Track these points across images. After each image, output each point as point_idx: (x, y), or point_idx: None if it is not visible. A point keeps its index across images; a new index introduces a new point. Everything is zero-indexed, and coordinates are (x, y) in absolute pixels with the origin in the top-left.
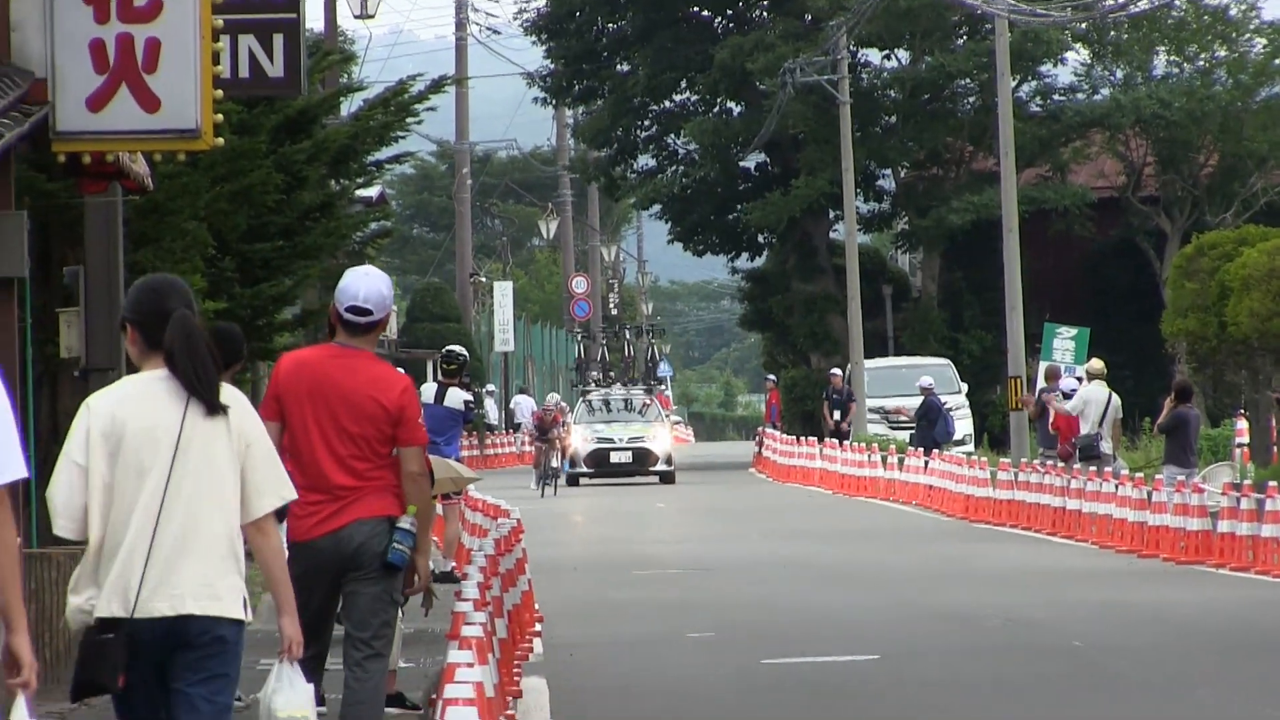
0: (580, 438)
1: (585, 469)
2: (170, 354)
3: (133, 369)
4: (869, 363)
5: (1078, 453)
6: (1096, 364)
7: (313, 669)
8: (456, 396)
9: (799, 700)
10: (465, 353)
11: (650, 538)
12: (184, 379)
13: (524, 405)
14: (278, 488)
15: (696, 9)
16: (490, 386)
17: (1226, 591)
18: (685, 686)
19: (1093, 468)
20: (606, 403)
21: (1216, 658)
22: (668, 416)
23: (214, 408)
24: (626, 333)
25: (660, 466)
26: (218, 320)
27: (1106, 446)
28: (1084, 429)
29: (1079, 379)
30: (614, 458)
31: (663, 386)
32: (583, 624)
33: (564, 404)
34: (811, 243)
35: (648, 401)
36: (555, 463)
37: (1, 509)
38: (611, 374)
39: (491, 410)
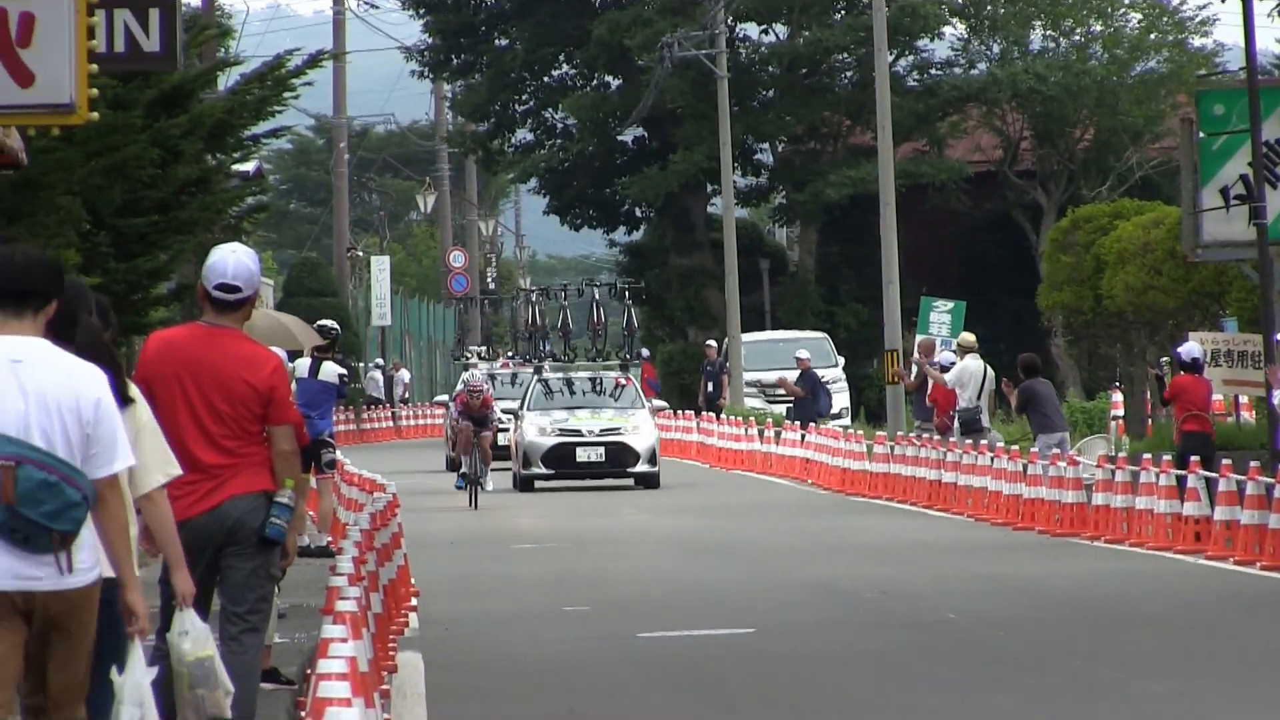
0: (536, 429)
1: (543, 469)
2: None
3: None
4: (746, 337)
5: (960, 426)
6: (968, 337)
7: None
8: (331, 370)
9: (673, 673)
10: (338, 326)
11: (526, 511)
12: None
13: (397, 378)
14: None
15: None
16: (379, 360)
17: (1101, 563)
18: (560, 660)
19: (969, 440)
20: (569, 383)
21: (1090, 629)
22: (649, 401)
23: None
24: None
25: (642, 467)
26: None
27: (986, 419)
28: (962, 402)
29: (954, 352)
30: (581, 455)
31: (639, 361)
32: (459, 598)
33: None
34: (689, 217)
35: (623, 382)
36: (486, 461)
37: (112, 492)
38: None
39: (378, 384)
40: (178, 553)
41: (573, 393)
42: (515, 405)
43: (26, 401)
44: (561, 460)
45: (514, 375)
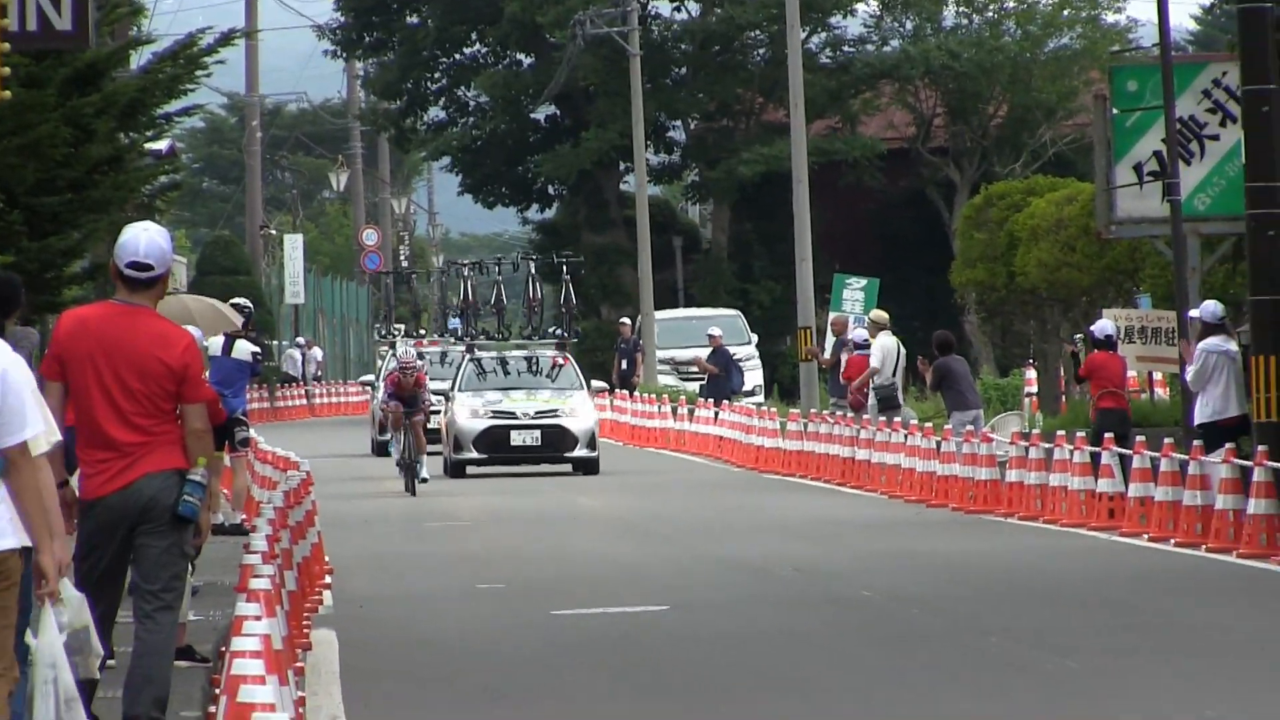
0: (468, 411)
1: (475, 454)
2: None
3: None
4: (659, 314)
5: (878, 404)
6: (881, 314)
7: (104, 625)
8: (244, 348)
9: (587, 651)
10: (251, 305)
11: (441, 490)
12: None
13: (310, 355)
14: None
15: None
16: (300, 339)
17: (1015, 540)
18: (474, 638)
19: (884, 418)
20: (504, 363)
21: (1004, 606)
22: (587, 382)
23: None
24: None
25: (580, 451)
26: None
27: (900, 396)
28: (879, 379)
29: (866, 329)
30: (515, 438)
31: (571, 339)
32: (374, 577)
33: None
34: (602, 195)
35: (561, 362)
36: (420, 446)
37: (24, 458)
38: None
39: (296, 362)
40: (58, 521)
41: (507, 373)
42: (446, 386)
43: None
44: (495, 444)
45: (444, 354)
